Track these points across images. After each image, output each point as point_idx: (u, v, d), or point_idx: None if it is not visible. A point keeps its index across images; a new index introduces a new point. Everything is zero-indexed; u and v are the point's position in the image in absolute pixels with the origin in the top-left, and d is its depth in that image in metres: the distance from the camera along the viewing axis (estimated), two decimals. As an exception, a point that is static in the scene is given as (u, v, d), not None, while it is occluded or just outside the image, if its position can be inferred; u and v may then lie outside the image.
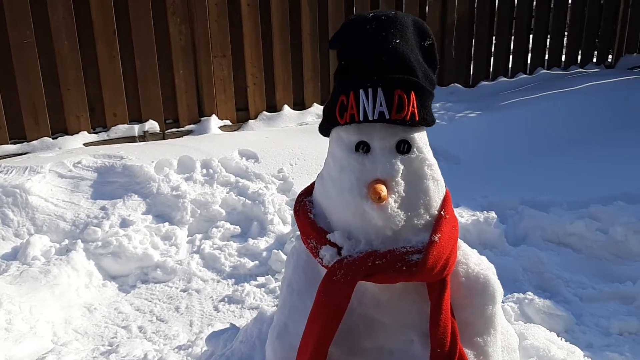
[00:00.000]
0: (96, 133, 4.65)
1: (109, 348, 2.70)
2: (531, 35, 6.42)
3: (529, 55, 6.46)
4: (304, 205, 1.34)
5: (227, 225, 3.73)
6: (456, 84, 6.05)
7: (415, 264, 1.18)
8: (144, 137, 4.74)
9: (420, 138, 1.27)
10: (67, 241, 3.48)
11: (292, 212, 3.86)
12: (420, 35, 1.26)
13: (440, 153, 4.60)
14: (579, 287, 3.15)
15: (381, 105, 1.19)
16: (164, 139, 4.79)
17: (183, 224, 3.73)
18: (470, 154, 4.47)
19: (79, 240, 3.44)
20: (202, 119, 4.98)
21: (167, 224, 3.70)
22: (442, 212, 1.25)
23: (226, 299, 3.21)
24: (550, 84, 5.84)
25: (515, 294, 2.90)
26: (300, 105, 5.34)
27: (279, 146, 4.34)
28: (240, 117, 5.13)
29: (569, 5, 6.56)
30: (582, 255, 3.42)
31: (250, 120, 5.13)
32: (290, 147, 4.33)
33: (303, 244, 1.42)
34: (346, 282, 1.18)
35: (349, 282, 1.18)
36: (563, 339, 1.82)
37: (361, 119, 1.20)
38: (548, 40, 6.50)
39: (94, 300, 3.18)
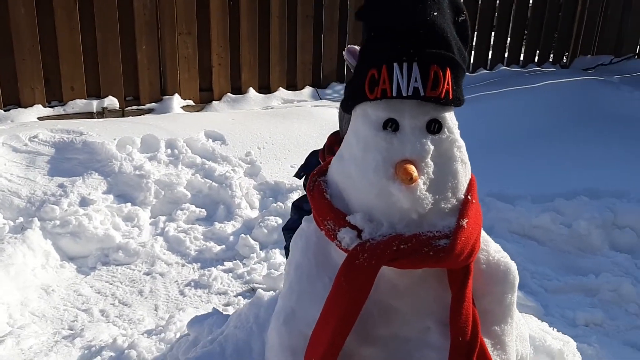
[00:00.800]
0: (52, 107, 4.43)
1: (71, 332, 2.57)
2: (493, 32, 6.52)
3: (490, 51, 6.57)
4: (319, 186, 1.27)
5: (193, 207, 3.61)
6: (419, 76, 6.06)
7: (443, 249, 1.13)
8: (103, 113, 4.54)
9: (451, 118, 1.22)
10: (22, 219, 3.28)
11: (259, 197, 3.80)
12: (454, 10, 1.20)
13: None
14: (544, 279, 3.21)
15: (416, 81, 1.12)
16: (123, 116, 4.60)
17: (146, 205, 3.59)
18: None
19: (35, 219, 3.26)
20: (164, 97, 4.82)
21: (129, 204, 3.55)
22: (468, 197, 1.21)
23: (192, 283, 3.11)
24: (511, 81, 5.93)
25: (487, 285, 2.92)
26: (265, 88, 5.23)
27: (246, 129, 4.23)
28: (204, 97, 4.99)
29: (530, 6, 6.70)
30: (546, 247, 3.49)
31: (214, 102, 5.00)
32: (258, 131, 4.23)
33: (311, 226, 1.36)
34: (370, 266, 1.12)
35: (373, 266, 1.12)
36: (555, 329, 1.84)
37: (394, 94, 1.13)
38: (509, 38, 6.63)
39: (51, 282, 3.02)
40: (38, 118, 4.28)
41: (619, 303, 3.05)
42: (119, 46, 4.52)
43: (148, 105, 4.76)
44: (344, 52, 2.17)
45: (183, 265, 3.27)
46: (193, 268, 3.25)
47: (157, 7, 4.62)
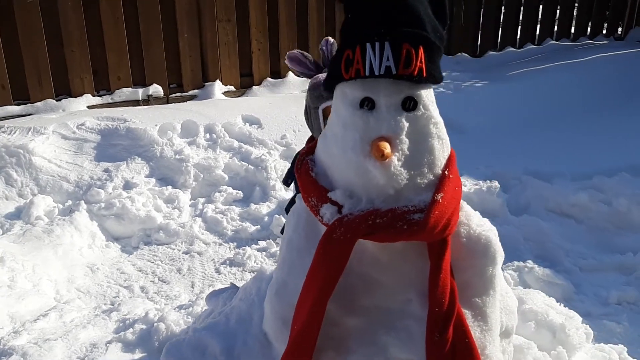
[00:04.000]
0: (100, 96, 4.63)
1: (111, 307, 2.73)
2: (541, 6, 6.33)
3: (538, 26, 6.38)
4: (306, 164, 1.33)
5: (230, 190, 3.74)
6: (463, 54, 5.99)
7: (417, 222, 1.17)
8: (148, 101, 4.71)
9: (427, 95, 1.24)
10: (70, 202, 3.49)
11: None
12: None
13: (445, 122, 4.56)
14: (580, 258, 3.15)
15: (388, 59, 1.16)
16: (167, 103, 4.77)
17: (186, 187, 3.74)
18: (475, 124, 4.44)
19: (82, 202, 3.46)
20: (206, 84, 4.95)
21: (170, 187, 3.71)
22: (445, 172, 1.23)
23: (227, 261, 3.23)
24: (559, 55, 5.77)
25: (515, 262, 2.91)
26: (305, 72, 5.28)
27: (283, 112, 4.31)
28: (244, 82, 5.10)
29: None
30: (584, 226, 3.42)
31: (254, 87, 5.10)
32: (294, 114, 4.30)
33: (302, 203, 1.42)
34: (346, 239, 1.17)
35: (349, 240, 1.18)
36: (562, 305, 1.83)
37: (367, 73, 1.17)
38: (558, 11, 6.42)
39: (97, 260, 3.21)
40: (87, 107, 4.50)
41: (656, 282, 2.97)
42: (161, 36, 4.67)
43: (191, 92, 4.91)
44: (285, 60, 2.18)
45: (220, 244, 3.39)
46: (229, 247, 3.37)
47: (197, -4, 4.74)
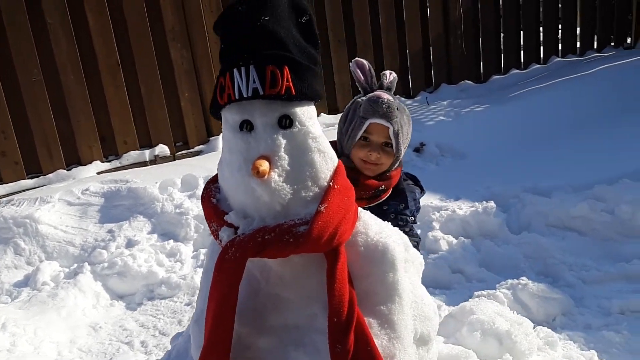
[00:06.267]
0: (109, 161, 4.80)
1: (105, 362, 2.77)
2: (541, 28, 6.31)
3: (541, 46, 6.35)
4: (209, 191, 1.38)
5: (231, 237, 3.77)
6: (467, 81, 5.99)
7: (302, 234, 1.19)
8: (155, 161, 4.86)
9: (303, 112, 1.28)
10: (75, 265, 3.59)
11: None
12: (297, 12, 1.27)
13: (446, 149, 4.56)
14: (583, 270, 3.06)
15: (254, 82, 1.22)
16: (174, 160, 4.90)
17: (188, 240, 3.79)
18: (475, 148, 4.41)
19: (86, 263, 3.55)
20: (211, 138, 5.08)
21: (171, 241, 3.77)
22: (331, 183, 1.25)
23: (227, 308, 3.24)
24: (563, 71, 5.72)
25: (509, 280, 2.83)
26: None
27: (281, 157, 4.37)
28: (249, 133, 5.21)
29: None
30: (587, 237, 3.33)
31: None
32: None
33: (218, 232, 1.44)
34: (236, 259, 1.20)
35: (239, 259, 1.20)
36: (515, 312, 1.75)
37: (237, 97, 1.23)
38: (560, 29, 6.39)
39: (100, 320, 3.26)
40: (97, 173, 4.66)
41: (664, 288, 2.84)
42: (162, 97, 4.85)
43: (197, 148, 5.04)
44: (350, 64, 2.22)
45: (221, 292, 3.41)
46: (230, 294, 3.38)
47: (193, 56, 4.93)
